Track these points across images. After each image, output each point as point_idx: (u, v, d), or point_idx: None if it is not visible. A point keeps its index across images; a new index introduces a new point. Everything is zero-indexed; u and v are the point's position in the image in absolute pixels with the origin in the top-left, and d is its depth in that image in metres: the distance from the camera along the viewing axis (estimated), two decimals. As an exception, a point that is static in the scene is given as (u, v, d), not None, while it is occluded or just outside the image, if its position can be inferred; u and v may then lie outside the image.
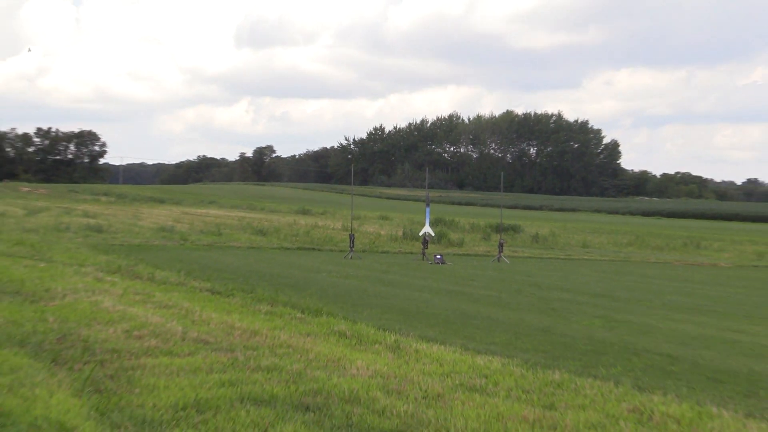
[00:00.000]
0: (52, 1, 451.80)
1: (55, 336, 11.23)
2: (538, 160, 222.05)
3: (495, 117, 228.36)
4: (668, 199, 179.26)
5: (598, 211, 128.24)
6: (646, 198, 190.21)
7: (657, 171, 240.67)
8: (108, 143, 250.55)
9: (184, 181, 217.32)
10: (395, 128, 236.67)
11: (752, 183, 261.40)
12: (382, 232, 49.76)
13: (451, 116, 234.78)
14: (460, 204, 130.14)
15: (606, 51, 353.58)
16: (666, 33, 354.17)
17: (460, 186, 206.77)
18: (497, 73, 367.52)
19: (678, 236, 62.82)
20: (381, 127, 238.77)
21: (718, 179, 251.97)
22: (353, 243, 35.17)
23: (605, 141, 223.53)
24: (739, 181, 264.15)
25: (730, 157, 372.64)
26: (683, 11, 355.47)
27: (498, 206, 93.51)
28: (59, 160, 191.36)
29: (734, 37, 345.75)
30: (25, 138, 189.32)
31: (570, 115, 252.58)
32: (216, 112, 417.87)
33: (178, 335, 11.61)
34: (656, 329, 16.66)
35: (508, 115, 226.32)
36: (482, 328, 15.61)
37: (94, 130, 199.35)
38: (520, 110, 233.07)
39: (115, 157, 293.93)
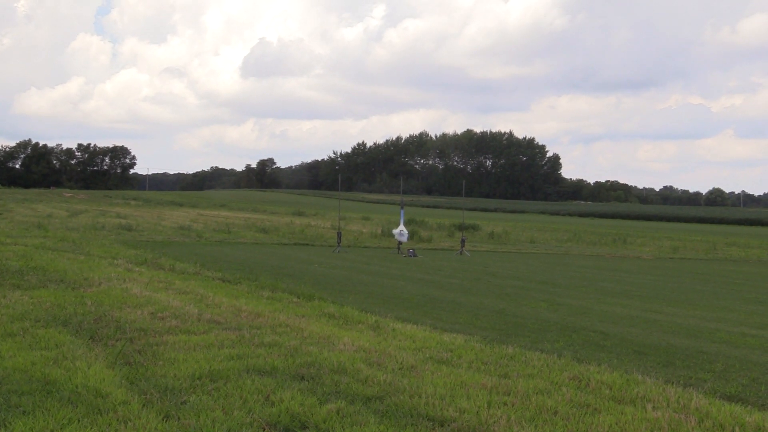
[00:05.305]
0: (92, 38, 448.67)
1: (92, 317, 11.14)
2: (493, 171, 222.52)
3: (457, 135, 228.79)
4: (600, 203, 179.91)
5: (543, 212, 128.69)
6: (582, 202, 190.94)
7: (591, 179, 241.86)
8: (137, 156, 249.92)
9: (200, 188, 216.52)
10: (375, 144, 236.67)
11: (668, 189, 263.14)
12: (364, 231, 49.70)
13: (421, 134, 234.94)
14: (428, 207, 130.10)
15: (549, 81, 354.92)
16: (599, 66, 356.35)
17: (429, 192, 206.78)
18: (459, 99, 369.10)
19: (608, 233, 63.07)
20: (363, 143, 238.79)
21: (640, 186, 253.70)
22: (340, 239, 35.11)
23: (548, 155, 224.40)
24: (657, 188, 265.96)
25: (650, 168, 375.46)
26: (613, 48, 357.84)
27: (460, 208, 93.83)
28: (96, 171, 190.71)
29: (653, 70, 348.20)
30: (69, 152, 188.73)
31: (519, 134, 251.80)
32: (226, 131, 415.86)
33: (194, 317, 11.52)
34: (591, 310, 16.68)
35: (469, 134, 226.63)
36: (448, 310, 15.59)
37: (125, 146, 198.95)
38: (478, 129, 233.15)
39: (142, 167, 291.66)
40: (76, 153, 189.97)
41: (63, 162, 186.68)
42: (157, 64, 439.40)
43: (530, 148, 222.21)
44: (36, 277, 16.02)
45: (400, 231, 35.66)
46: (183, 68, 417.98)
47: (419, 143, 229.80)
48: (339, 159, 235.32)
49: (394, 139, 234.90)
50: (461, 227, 46.05)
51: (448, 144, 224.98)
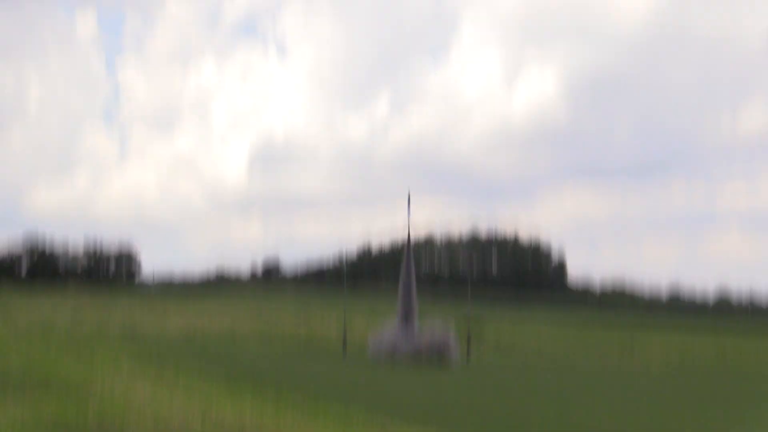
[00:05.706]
0: (100, 133, 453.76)
1: (95, 422, 11.01)
2: (498, 276, 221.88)
3: (462, 238, 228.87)
4: (607, 309, 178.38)
5: (550, 319, 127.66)
6: (589, 307, 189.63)
7: (596, 271, 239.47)
8: (142, 254, 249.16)
9: (206, 288, 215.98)
10: (381, 251, 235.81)
11: (675, 285, 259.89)
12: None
13: (426, 236, 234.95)
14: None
15: (554, 173, 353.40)
16: (602, 157, 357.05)
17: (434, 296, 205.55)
18: (464, 193, 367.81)
19: (615, 341, 62.32)
20: (368, 248, 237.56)
21: (646, 282, 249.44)
22: (345, 346, 34.67)
23: (554, 260, 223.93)
24: (664, 283, 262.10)
25: (656, 262, 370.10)
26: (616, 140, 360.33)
27: (465, 312, 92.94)
28: (102, 275, 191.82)
29: (657, 160, 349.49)
30: (75, 259, 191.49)
31: (524, 230, 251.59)
32: (232, 227, 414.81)
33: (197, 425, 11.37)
34: None
35: (474, 236, 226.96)
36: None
37: (132, 252, 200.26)
38: (482, 224, 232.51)
39: (148, 269, 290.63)
40: (83, 259, 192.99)
41: (69, 267, 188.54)
42: (165, 156, 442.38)
43: (536, 256, 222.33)
44: (38, 381, 15.89)
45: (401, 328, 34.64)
46: (190, 162, 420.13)
47: (426, 245, 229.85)
48: (344, 264, 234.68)
49: (399, 244, 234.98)
50: (468, 336, 45.25)
51: (454, 248, 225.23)
